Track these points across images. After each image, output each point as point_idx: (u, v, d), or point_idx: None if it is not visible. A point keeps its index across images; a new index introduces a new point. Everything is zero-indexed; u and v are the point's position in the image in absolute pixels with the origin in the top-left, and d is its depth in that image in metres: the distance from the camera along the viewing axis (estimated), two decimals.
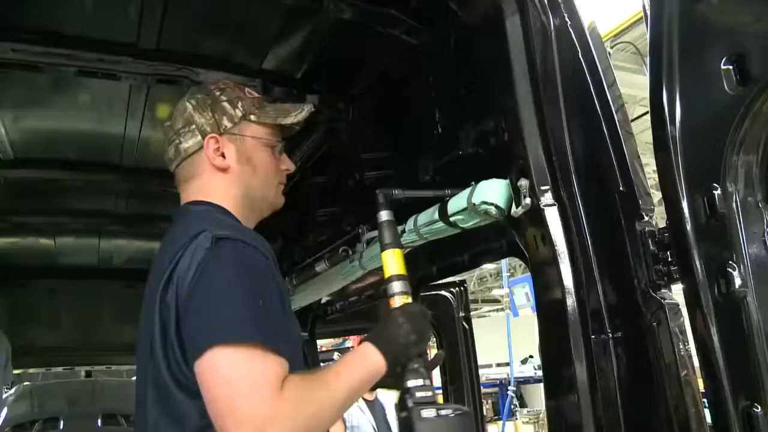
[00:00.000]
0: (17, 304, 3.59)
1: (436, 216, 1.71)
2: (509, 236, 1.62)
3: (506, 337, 10.96)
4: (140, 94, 2.41)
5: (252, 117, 1.62)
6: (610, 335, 1.31)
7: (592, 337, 1.31)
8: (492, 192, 1.55)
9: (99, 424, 6.35)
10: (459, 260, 2.12)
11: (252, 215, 1.65)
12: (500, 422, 8.11)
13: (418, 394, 1.41)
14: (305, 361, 1.55)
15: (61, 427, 6.12)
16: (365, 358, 1.43)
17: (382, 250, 1.56)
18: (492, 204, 1.55)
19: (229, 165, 1.59)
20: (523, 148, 1.48)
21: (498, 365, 12.03)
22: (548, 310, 1.44)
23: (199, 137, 1.58)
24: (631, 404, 1.29)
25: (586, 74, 1.42)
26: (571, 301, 1.33)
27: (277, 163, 1.67)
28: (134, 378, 5.44)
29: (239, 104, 1.62)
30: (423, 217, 1.75)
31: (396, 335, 1.44)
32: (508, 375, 10.39)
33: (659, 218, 1.33)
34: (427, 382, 1.44)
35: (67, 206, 3.54)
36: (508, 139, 1.58)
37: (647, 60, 1.25)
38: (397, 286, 1.52)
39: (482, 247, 1.93)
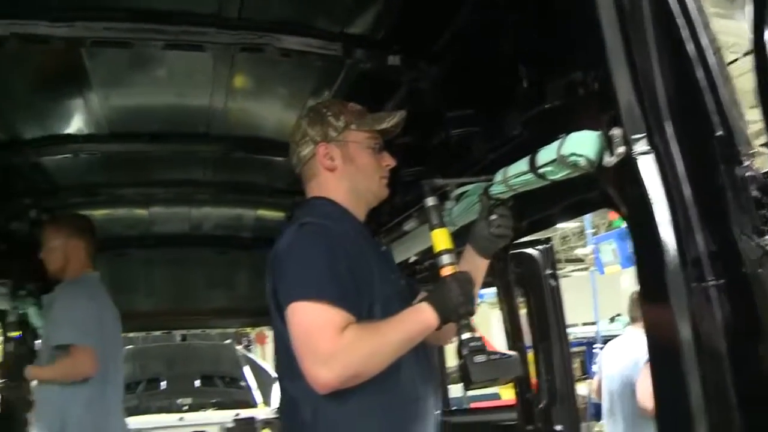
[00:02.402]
0: (116, 272, 3.76)
1: (525, 168, 1.71)
2: (601, 187, 1.60)
3: (590, 296, 10.79)
4: (225, 64, 2.46)
5: (353, 126, 1.99)
6: (712, 282, 1.27)
7: (693, 285, 1.28)
8: (582, 143, 1.53)
9: (197, 384, 6.65)
10: (550, 213, 2.12)
11: (360, 205, 2.03)
12: (588, 381, 8.01)
13: (471, 344, 1.71)
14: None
15: (163, 387, 6.44)
16: (420, 314, 1.76)
17: (432, 230, 1.83)
18: (582, 155, 1.52)
19: (337, 166, 1.99)
20: (615, 96, 1.43)
21: (583, 324, 11.88)
22: (646, 259, 1.41)
23: (312, 146, 1.99)
24: (736, 354, 1.25)
25: (678, 16, 1.37)
26: (669, 249, 1.30)
27: (377, 160, 2.02)
28: (227, 341, 5.70)
29: (341, 117, 1.99)
30: (513, 168, 1.78)
31: (448, 297, 1.73)
32: (594, 334, 10.25)
33: (763, 164, 1.29)
34: (476, 335, 1.74)
35: (159, 177, 3.66)
36: (599, 88, 1.55)
37: (737, 3, 1.20)
38: (446, 258, 1.80)
39: (573, 199, 1.91)
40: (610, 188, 1.55)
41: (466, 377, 1.71)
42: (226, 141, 3.17)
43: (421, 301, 1.80)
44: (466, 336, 1.73)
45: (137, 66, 2.49)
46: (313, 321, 1.72)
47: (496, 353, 1.75)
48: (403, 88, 2.49)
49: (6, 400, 4.54)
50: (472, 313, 1.76)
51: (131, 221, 4.24)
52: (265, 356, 11.69)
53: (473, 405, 8.73)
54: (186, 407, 6.17)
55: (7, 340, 3.89)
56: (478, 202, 1.95)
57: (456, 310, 1.73)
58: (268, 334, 17.84)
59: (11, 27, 2.02)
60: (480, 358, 1.70)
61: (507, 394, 12.39)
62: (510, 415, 3.83)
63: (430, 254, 3.02)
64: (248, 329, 10.84)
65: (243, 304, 4.95)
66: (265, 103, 2.88)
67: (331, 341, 1.69)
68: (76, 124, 2.92)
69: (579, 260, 19.98)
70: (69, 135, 2.98)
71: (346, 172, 1.99)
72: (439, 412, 2.03)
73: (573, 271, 21.36)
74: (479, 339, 1.73)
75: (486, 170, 1.96)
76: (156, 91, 2.72)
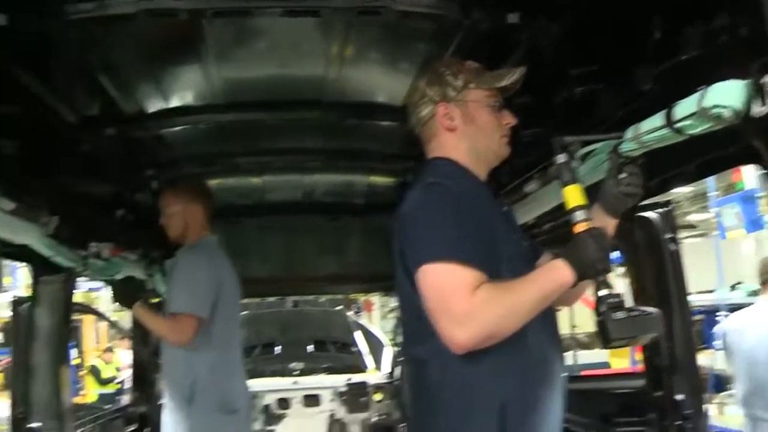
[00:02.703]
0: (231, 240, 3.87)
1: (660, 123, 1.63)
2: (747, 140, 1.50)
3: (706, 263, 10.34)
4: (340, 29, 2.44)
5: (472, 85, 1.98)
6: None
7: None
8: (728, 93, 1.43)
9: (310, 349, 6.81)
10: (683, 171, 2.03)
11: (480, 165, 2.02)
12: (708, 351, 7.70)
13: (609, 300, 1.69)
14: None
15: (277, 351, 6.63)
16: (555, 272, 1.73)
17: (564, 186, 1.80)
18: (727, 106, 1.43)
19: (457, 126, 1.98)
20: (766, 40, 1.33)
21: (699, 293, 11.41)
22: None
23: (431, 106, 1.99)
24: None
25: None
26: None
27: (497, 119, 2.00)
28: (338, 307, 5.77)
29: (460, 76, 1.98)
30: (645, 124, 1.70)
31: (585, 253, 1.71)
32: (713, 302, 9.80)
33: None
34: (614, 291, 1.71)
35: (272, 145, 3.71)
36: (747, 34, 1.44)
37: None
38: (580, 215, 1.76)
39: (711, 155, 1.82)
40: (758, 141, 1.45)
41: (604, 335, 1.69)
42: (339, 107, 3.17)
43: (554, 258, 1.78)
44: (603, 292, 1.70)
45: (253, 36, 2.50)
46: (446, 282, 1.73)
47: (636, 309, 1.72)
48: (522, 47, 2.41)
49: (139, 364, 4.81)
50: (608, 269, 1.72)
51: (245, 190, 4.34)
52: (371, 323, 11.89)
53: (584, 373, 8.60)
54: (299, 371, 6.33)
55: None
56: (606, 160, 1.88)
57: (593, 266, 1.70)
58: (375, 301, 18.18)
59: (140, 4, 2.07)
60: (619, 315, 1.67)
61: (617, 363, 12.15)
62: (623, 383, 3.74)
63: (552, 216, 2.98)
64: (357, 296, 10.99)
65: (354, 271, 5.00)
66: (378, 68, 2.86)
67: (465, 301, 1.69)
68: (194, 96, 2.98)
69: (691, 226, 19.20)
70: (188, 107, 3.05)
71: (466, 131, 1.99)
72: (565, 374, 1.98)
73: (687, 237, 20.57)
74: (618, 295, 1.70)
75: (614, 127, 1.89)
76: (270, 59, 2.73)
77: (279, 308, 7.33)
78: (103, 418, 4.56)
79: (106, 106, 2.86)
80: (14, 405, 3.52)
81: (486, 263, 1.77)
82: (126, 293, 3.48)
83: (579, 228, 1.74)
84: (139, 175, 3.70)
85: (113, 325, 6.04)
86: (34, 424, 3.21)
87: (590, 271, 1.71)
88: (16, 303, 3.67)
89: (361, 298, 12.92)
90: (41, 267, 3.21)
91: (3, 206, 2.29)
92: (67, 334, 3.37)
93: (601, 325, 1.68)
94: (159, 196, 3.61)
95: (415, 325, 1.88)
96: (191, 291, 3.31)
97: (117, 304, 3.73)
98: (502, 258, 1.84)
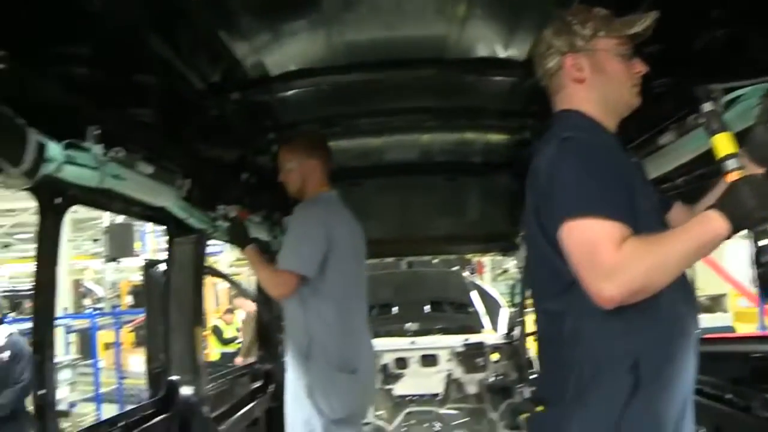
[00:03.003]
0: (350, 201, 3.90)
1: None
2: None
3: None
4: None
5: (601, 33, 1.92)
6: None
7: None
8: None
9: (426, 310, 6.85)
10: None
11: (610, 116, 1.97)
12: None
13: None
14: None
15: (394, 312, 6.70)
16: (708, 223, 1.65)
17: (712, 135, 1.70)
18: None
19: (585, 77, 1.93)
20: None
21: None
22: None
23: (558, 57, 1.95)
24: None
25: None
26: None
27: (628, 68, 1.94)
28: (454, 268, 5.72)
29: (588, 24, 1.92)
30: None
31: (741, 202, 1.61)
32: None
33: None
34: None
35: (392, 105, 3.71)
36: None
37: None
38: (732, 163, 1.66)
39: None
40: None
41: (765, 286, 1.72)
42: (459, 65, 3.12)
43: (707, 209, 1.69)
44: (764, 242, 1.66)
45: None
46: (592, 236, 1.68)
47: None
48: None
49: (262, 324, 5.00)
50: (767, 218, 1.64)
51: (364, 151, 4.37)
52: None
53: (707, 336, 8.27)
54: (416, 332, 6.38)
55: None
56: (757, 105, 1.77)
57: (751, 215, 1.61)
58: (486, 263, 18.08)
59: None
60: None
61: (741, 328, 11.65)
62: (755, 347, 3.55)
63: (686, 169, 2.85)
64: (472, 256, 10.94)
65: (472, 231, 4.98)
66: (500, 22, 2.79)
67: (612, 255, 1.65)
68: (316, 58, 3.01)
69: None
70: (310, 69, 3.08)
71: (595, 82, 1.93)
72: (698, 331, 1.91)
73: None
74: None
75: (763, 71, 1.76)
76: (390, 19, 2.72)
77: (394, 269, 7.40)
78: (232, 374, 4.78)
79: (230, 71, 2.94)
80: (149, 360, 3.74)
81: (629, 216, 1.73)
82: (241, 233, 3.47)
83: (732, 177, 1.65)
84: (261, 139, 3.79)
85: (237, 286, 6.25)
86: (173, 377, 3.39)
87: (748, 220, 1.62)
88: (148, 265, 3.87)
89: (474, 259, 12.86)
90: (175, 229, 3.36)
91: (144, 170, 2.40)
92: (200, 292, 3.52)
93: (762, 276, 1.67)
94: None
95: (549, 280, 1.87)
96: (296, 248, 3.31)
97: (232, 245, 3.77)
98: (639, 212, 1.78)
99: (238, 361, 9.92)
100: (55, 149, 1.77)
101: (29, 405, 6.49)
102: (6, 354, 6.31)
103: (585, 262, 1.69)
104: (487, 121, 3.97)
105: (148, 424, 3.12)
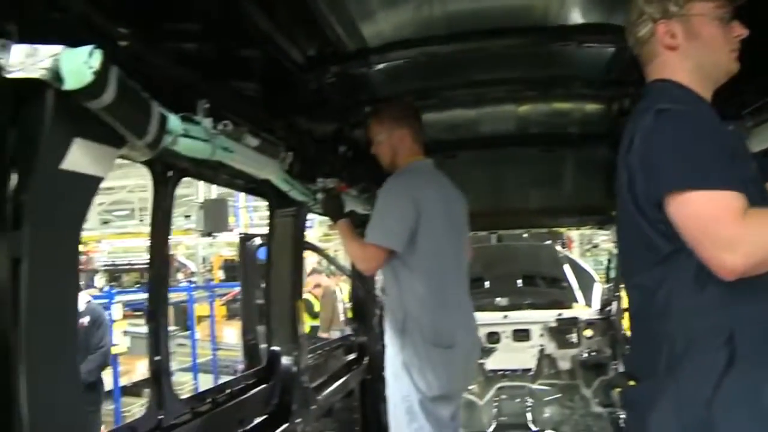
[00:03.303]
0: (445, 175, 3.86)
1: None
2: None
3: None
4: None
5: None
6: None
7: None
8: None
9: (518, 284, 6.78)
10: None
11: (706, 84, 1.91)
12: None
13: None
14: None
15: (486, 286, 6.66)
16: None
17: None
18: None
19: (679, 44, 1.88)
20: None
21: None
22: None
23: (651, 24, 1.91)
24: None
25: None
26: None
27: (726, 32, 1.88)
28: (547, 242, 5.61)
29: None
30: None
31: None
32: None
33: None
34: None
35: (488, 76, 3.64)
36: None
37: None
38: None
39: None
40: None
41: None
42: (556, 32, 3.03)
43: None
44: None
45: None
46: (710, 208, 1.66)
47: None
48: None
49: (357, 298, 5.06)
50: None
51: (459, 123, 4.32)
52: None
53: None
54: (507, 306, 6.33)
55: None
56: None
57: None
58: (575, 237, 17.73)
59: None
60: None
61: None
62: None
63: None
64: (563, 230, 10.72)
65: (567, 204, 4.87)
66: None
67: (734, 226, 1.63)
68: (416, 29, 2.98)
69: None
70: (408, 40, 3.06)
71: (690, 49, 1.89)
72: None
73: None
74: None
75: None
76: None
77: (485, 243, 7.34)
78: (328, 346, 4.86)
79: (329, 44, 2.94)
80: (245, 332, 3.85)
81: (742, 187, 1.69)
82: (336, 206, 3.47)
83: None
84: (357, 112, 3.80)
85: (332, 261, 6.35)
86: (274, 347, 3.47)
87: None
88: (244, 239, 3.96)
89: (569, 232, 12.63)
90: (276, 202, 3.42)
91: (250, 143, 2.43)
92: (300, 265, 3.57)
93: None
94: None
95: (641, 254, 1.87)
96: (383, 222, 3.28)
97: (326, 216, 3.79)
98: (745, 182, 1.74)
99: (323, 335, 10.11)
100: (175, 122, 1.81)
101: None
102: (86, 319, 6.56)
103: (704, 234, 1.67)
104: (584, 90, 3.85)
105: (252, 392, 3.21)
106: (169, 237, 2.49)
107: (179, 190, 2.60)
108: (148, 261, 2.42)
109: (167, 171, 2.40)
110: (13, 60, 1.35)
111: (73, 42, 1.42)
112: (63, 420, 1.60)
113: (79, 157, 1.56)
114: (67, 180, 1.56)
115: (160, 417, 2.45)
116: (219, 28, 2.36)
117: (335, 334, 8.92)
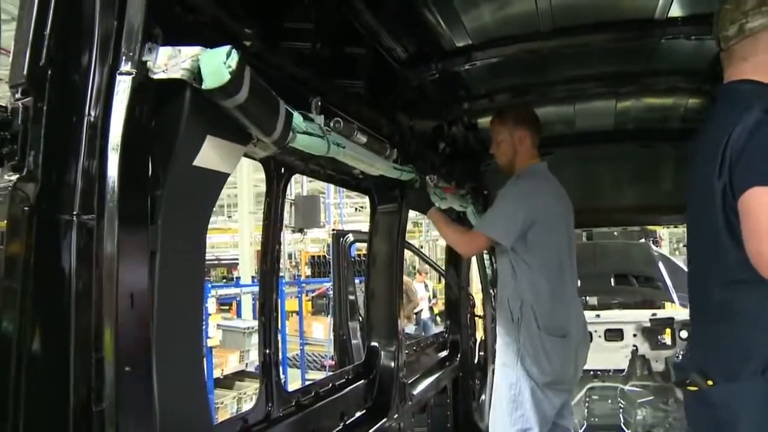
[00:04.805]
0: None
1: None
2: None
3: None
4: None
5: None
6: None
7: None
8: None
9: (611, 283, 6.64)
10: None
11: None
12: None
13: None
14: None
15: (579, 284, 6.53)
16: None
17: None
18: None
19: None
20: None
21: None
22: None
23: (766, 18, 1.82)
24: None
25: None
26: None
27: None
28: (641, 240, 5.44)
29: None
30: None
31: None
32: None
33: None
34: None
35: (588, 72, 3.58)
36: None
37: None
38: None
39: None
40: None
41: None
42: (660, 25, 2.94)
43: None
44: None
45: None
46: None
47: None
48: None
49: (451, 297, 5.06)
50: None
51: (557, 119, 4.25)
52: None
53: None
54: (598, 305, 6.21)
55: None
56: None
57: None
58: (664, 235, 17.20)
59: None
60: None
61: None
62: None
63: None
64: (660, 228, 10.41)
65: (666, 201, 4.73)
66: None
67: None
68: (520, 24, 2.95)
69: None
70: (510, 36, 3.03)
71: None
72: None
73: None
74: None
75: None
76: None
77: (577, 241, 7.19)
78: (422, 342, 4.87)
79: (431, 41, 2.95)
80: (336, 328, 3.89)
81: None
82: (421, 199, 3.52)
83: None
84: (456, 109, 3.79)
85: (426, 259, 6.38)
86: (374, 343, 3.50)
87: None
88: (337, 236, 4.00)
89: (663, 230, 12.28)
90: (378, 198, 3.45)
91: (359, 140, 2.46)
92: (401, 261, 3.58)
93: None
94: (472, 130, 3.67)
95: (718, 253, 1.91)
96: (495, 218, 3.42)
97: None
98: None
99: None
100: (298, 119, 1.85)
101: None
102: None
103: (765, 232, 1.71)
104: (687, 84, 3.74)
105: (352, 387, 3.25)
106: (281, 232, 2.54)
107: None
108: (261, 257, 2.48)
109: (280, 168, 2.45)
110: (159, 62, 1.40)
111: (204, 43, 1.47)
112: (190, 405, 1.67)
113: (210, 154, 1.62)
114: (199, 176, 1.61)
115: (269, 408, 2.52)
116: (330, 28, 2.40)
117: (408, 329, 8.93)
